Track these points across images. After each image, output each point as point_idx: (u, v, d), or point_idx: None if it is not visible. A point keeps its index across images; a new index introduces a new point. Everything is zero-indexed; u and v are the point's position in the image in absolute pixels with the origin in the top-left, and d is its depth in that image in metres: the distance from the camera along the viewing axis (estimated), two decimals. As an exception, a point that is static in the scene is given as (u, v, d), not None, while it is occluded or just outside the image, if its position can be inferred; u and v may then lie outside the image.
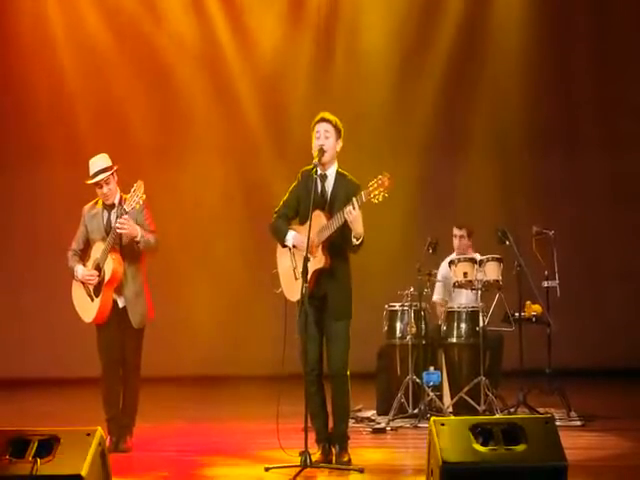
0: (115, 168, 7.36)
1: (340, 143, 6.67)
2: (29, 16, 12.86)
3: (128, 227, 7.15)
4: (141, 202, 7.17)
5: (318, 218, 6.49)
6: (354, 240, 6.43)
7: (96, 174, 7.31)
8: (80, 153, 11.66)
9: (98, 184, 7.33)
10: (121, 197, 7.36)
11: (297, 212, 6.72)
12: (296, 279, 6.55)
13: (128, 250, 7.30)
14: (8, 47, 12.83)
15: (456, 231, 9.46)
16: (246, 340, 12.49)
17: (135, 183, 7.21)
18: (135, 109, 12.87)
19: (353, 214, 6.31)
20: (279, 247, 6.77)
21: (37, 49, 12.84)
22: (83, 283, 7.38)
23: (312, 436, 6.52)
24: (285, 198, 6.79)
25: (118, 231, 7.15)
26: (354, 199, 6.31)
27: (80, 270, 7.37)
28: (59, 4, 12.91)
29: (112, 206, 7.36)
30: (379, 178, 6.27)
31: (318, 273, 6.48)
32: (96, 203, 7.47)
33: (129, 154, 12.14)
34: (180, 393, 11.30)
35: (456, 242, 9.43)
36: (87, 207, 7.50)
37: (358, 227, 6.38)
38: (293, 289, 6.59)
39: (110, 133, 12.51)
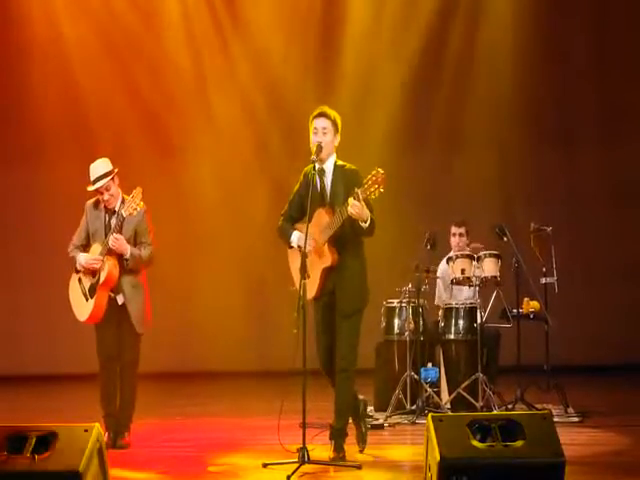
0: (115, 171, 7.32)
1: (338, 137, 6.66)
2: (34, 13, 12.81)
3: (119, 246, 7.17)
4: (138, 209, 7.16)
5: (320, 215, 6.50)
6: (362, 224, 6.38)
7: (96, 180, 7.28)
8: (80, 151, 11.69)
9: (99, 191, 7.31)
10: (123, 199, 7.34)
11: (303, 212, 6.72)
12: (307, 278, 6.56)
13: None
14: (11, 44, 12.79)
15: (455, 229, 9.38)
16: (246, 336, 12.49)
17: (134, 189, 7.20)
18: (137, 108, 12.83)
19: (358, 207, 6.24)
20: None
21: (40, 46, 12.78)
22: (80, 281, 7.36)
23: (310, 432, 6.51)
24: (290, 199, 6.81)
25: (110, 246, 7.17)
26: (351, 198, 6.25)
27: (82, 257, 7.34)
28: (65, 3, 12.87)
29: (114, 210, 7.34)
30: (373, 175, 6.23)
31: (327, 271, 6.50)
32: (98, 200, 7.45)
33: (130, 152, 12.16)
34: (178, 389, 11.30)
35: (455, 240, 9.36)
36: (90, 202, 7.48)
37: (363, 215, 6.33)
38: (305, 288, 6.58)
39: (111, 131, 12.50)
